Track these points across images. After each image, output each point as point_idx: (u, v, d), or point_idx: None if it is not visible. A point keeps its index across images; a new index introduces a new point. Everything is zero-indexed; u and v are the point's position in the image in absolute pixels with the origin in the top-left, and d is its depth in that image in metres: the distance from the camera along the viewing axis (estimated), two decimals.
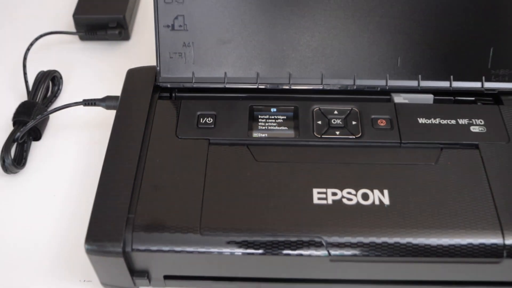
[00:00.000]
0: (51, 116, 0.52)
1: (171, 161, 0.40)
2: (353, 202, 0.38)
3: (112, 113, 0.45)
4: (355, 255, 0.36)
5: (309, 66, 0.45)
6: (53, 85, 0.55)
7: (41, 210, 0.46)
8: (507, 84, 0.45)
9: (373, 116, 0.43)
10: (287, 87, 0.45)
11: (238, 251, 0.36)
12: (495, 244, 0.36)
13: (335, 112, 0.44)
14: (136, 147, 0.41)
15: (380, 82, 0.45)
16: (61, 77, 0.55)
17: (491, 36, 0.44)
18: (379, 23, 0.44)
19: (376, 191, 0.38)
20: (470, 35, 0.44)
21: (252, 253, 0.36)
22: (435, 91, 0.45)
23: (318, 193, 0.38)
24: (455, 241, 0.36)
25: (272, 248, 0.36)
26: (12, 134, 0.49)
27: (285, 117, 0.44)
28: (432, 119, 0.43)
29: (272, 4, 0.44)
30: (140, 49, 0.59)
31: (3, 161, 0.47)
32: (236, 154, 0.41)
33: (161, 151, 0.41)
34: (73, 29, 0.59)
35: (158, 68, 0.45)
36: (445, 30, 0.44)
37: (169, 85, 0.46)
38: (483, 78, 0.45)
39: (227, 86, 0.45)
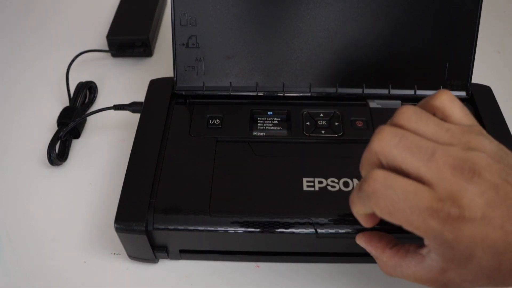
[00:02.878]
0: (88, 118, 0.51)
1: (185, 156, 0.40)
2: (336, 189, 0.37)
3: (137, 116, 0.44)
4: (337, 233, 0.35)
5: (299, 77, 0.44)
6: (90, 93, 0.54)
7: (79, 195, 0.45)
8: (460, 92, 0.44)
9: (352, 118, 0.42)
10: (281, 95, 0.44)
11: (241, 229, 0.36)
12: None
13: (321, 115, 0.43)
14: (157, 144, 0.40)
15: (358, 90, 0.44)
16: (96, 87, 0.54)
17: (446, 54, 0.43)
18: (357, 42, 0.43)
19: (355, 180, 0.37)
20: (430, 54, 0.43)
21: (252, 232, 0.35)
22: (402, 98, 0.44)
23: (307, 181, 0.37)
24: None
25: (269, 227, 0.35)
26: (57, 133, 0.48)
27: (279, 119, 0.43)
28: None
29: (268, 26, 0.43)
30: (160, 63, 0.58)
31: (49, 155, 0.46)
32: (239, 150, 0.40)
33: (177, 147, 0.40)
34: (106, 48, 0.58)
35: (175, 78, 0.44)
36: (411, 49, 0.43)
37: (184, 93, 0.45)
38: (441, 87, 0.44)
39: (232, 93, 0.44)
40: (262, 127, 0.42)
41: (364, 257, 0.39)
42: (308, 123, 0.42)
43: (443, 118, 0.28)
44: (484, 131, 0.28)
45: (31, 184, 0.46)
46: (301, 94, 0.44)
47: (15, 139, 0.50)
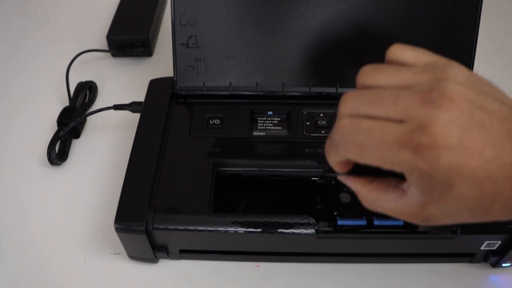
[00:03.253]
0: (88, 118, 0.51)
1: (185, 156, 0.39)
2: None
3: (137, 116, 0.44)
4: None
5: (299, 76, 0.44)
6: (90, 93, 0.54)
7: (79, 195, 0.45)
8: None
9: None
10: (281, 94, 0.44)
11: (241, 229, 0.35)
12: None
13: (321, 114, 0.43)
14: (157, 143, 0.40)
15: None
16: (96, 87, 0.54)
17: (446, 54, 0.39)
18: (357, 42, 0.43)
19: None
20: None
21: (252, 232, 0.35)
22: None
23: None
24: None
25: (269, 227, 0.35)
26: (57, 133, 0.48)
27: (279, 119, 0.43)
28: None
29: (268, 26, 0.43)
30: (160, 63, 0.58)
31: (49, 155, 0.46)
32: (239, 149, 0.40)
33: (177, 147, 0.40)
34: (106, 48, 0.58)
35: (175, 78, 0.44)
36: None
37: (184, 93, 0.44)
38: None
39: (232, 93, 0.44)
40: (262, 127, 0.42)
41: (364, 257, 0.39)
42: (308, 123, 0.42)
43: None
44: (453, 62, 0.26)
45: (31, 184, 0.46)
46: (301, 94, 0.44)
47: (15, 139, 0.50)
